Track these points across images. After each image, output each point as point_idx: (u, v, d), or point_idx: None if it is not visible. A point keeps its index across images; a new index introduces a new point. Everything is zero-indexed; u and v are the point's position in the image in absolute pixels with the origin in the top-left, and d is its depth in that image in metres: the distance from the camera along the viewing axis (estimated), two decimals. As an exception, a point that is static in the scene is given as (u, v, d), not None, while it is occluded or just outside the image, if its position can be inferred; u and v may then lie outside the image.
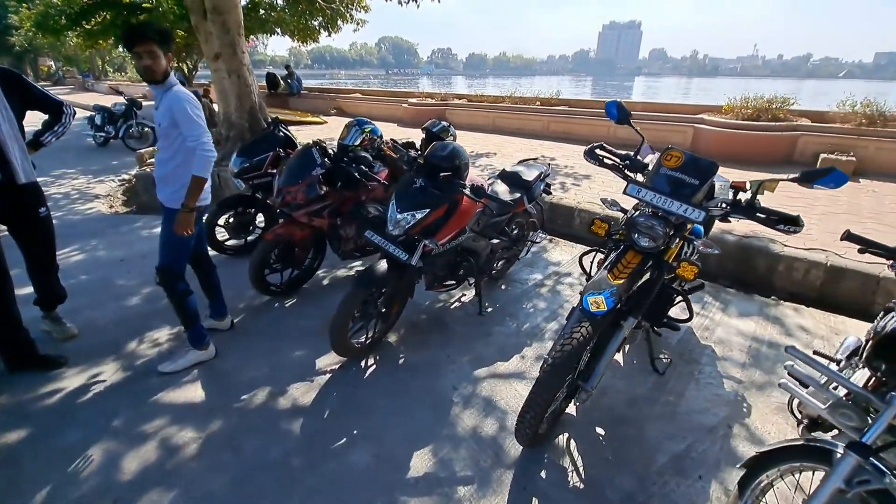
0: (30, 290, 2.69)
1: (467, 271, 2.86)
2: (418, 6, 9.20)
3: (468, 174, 2.62)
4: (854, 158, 5.94)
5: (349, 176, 2.96)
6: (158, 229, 4.57)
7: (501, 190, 3.06)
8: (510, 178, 3.20)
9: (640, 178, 2.03)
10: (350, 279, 3.65)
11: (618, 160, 2.04)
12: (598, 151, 2.06)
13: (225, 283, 2.87)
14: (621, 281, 1.70)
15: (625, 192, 1.82)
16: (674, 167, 1.75)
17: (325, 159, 3.02)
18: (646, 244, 1.78)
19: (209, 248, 2.97)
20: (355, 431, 2.13)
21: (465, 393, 2.40)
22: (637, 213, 1.86)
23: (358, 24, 12.44)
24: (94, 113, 9.44)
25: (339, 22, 12.07)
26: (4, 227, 2.48)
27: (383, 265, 2.40)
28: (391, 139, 3.65)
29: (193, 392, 2.36)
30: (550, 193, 4.00)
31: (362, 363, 2.63)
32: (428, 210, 2.35)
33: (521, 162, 3.53)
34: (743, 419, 2.28)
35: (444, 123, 3.86)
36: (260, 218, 4.01)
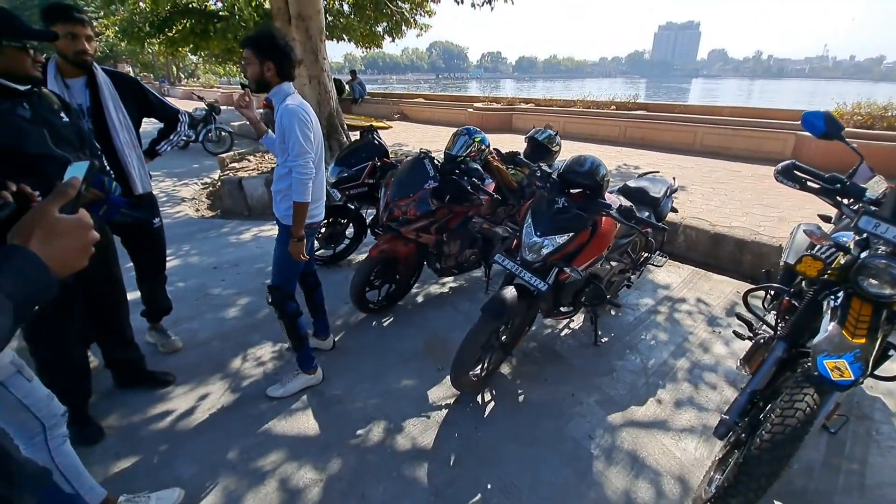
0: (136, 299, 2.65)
1: (591, 298, 2.56)
2: (492, 8, 8.96)
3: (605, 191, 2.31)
4: None
5: (460, 189, 2.74)
6: (245, 236, 4.67)
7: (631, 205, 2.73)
8: (635, 195, 2.86)
9: (847, 204, 1.66)
10: (445, 298, 3.43)
11: (825, 183, 1.66)
12: (797, 172, 1.70)
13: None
14: (862, 340, 1.34)
15: (856, 226, 1.46)
16: (927, 197, 1.38)
17: (436, 171, 2.80)
18: (887, 292, 1.41)
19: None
20: (489, 486, 1.87)
21: (603, 444, 2.09)
22: (869, 251, 1.49)
23: (422, 28, 12.39)
24: (175, 117, 9.87)
25: (404, 27, 12.06)
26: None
27: (511, 293, 2.13)
28: (496, 149, 3.41)
29: (306, 422, 2.20)
30: (677, 211, 3.61)
31: (478, 398, 2.38)
32: (572, 234, 2.07)
33: (642, 176, 3.18)
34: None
35: (550, 131, 3.57)
36: (350, 229, 3.88)
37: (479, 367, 2.32)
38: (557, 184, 2.22)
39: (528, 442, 2.10)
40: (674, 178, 3.23)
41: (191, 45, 12.33)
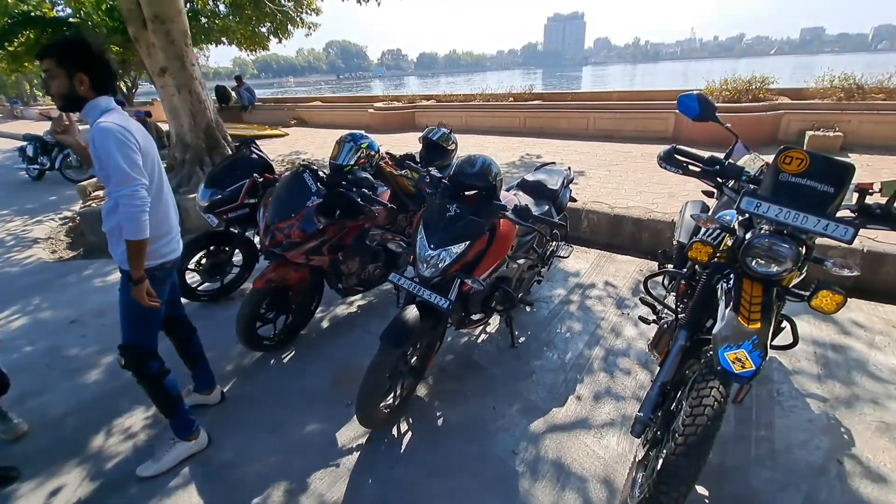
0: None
1: (501, 302, 2.44)
2: (379, 4, 8.68)
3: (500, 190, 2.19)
4: (841, 133, 5.90)
5: (350, 202, 2.47)
6: (112, 277, 3.99)
7: (526, 203, 2.65)
8: (534, 189, 2.80)
9: (731, 185, 1.67)
10: (354, 319, 3.16)
11: (705, 165, 1.66)
12: (678, 157, 1.68)
13: (205, 341, 2.31)
14: (757, 325, 1.32)
15: (738, 207, 1.44)
16: (797, 172, 1.39)
17: (319, 185, 2.51)
18: (774, 270, 1.40)
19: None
20: (411, 536, 1.66)
21: (528, 458, 1.97)
22: (753, 231, 1.48)
23: (309, 28, 11.78)
24: (25, 143, 8.39)
25: (290, 27, 11.38)
26: None
27: (413, 314, 1.93)
28: (387, 153, 3.18)
29: (188, 501, 1.83)
30: (576, 200, 3.63)
31: (394, 430, 2.16)
32: (468, 242, 1.91)
33: (539, 168, 3.14)
34: (849, 449, 1.97)
35: (443, 130, 3.42)
36: (237, 256, 3.44)
37: (391, 396, 2.10)
38: (449, 188, 2.06)
39: (449, 473, 1.92)
40: (569, 168, 3.23)
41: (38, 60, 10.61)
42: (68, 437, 2.20)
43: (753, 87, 7.11)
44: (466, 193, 2.10)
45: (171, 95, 5.60)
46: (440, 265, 1.89)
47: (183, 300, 2.35)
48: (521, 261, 2.64)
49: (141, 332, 1.88)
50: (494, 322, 3.00)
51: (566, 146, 7.49)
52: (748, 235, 1.49)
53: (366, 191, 2.52)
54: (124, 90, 13.12)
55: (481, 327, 2.94)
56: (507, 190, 2.85)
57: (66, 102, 1.67)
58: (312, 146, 8.89)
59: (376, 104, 11.08)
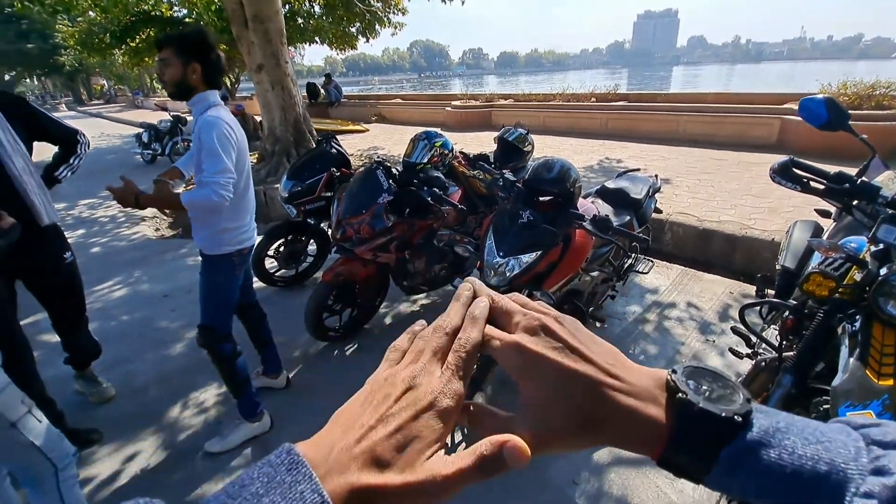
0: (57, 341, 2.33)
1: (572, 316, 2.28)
2: (463, 3, 8.66)
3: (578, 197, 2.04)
4: None
5: (420, 202, 2.45)
6: (203, 257, 4.33)
7: (606, 213, 2.46)
8: (614, 197, 2.60)
9: (858, 205, 1.40)
10: (417, 318, 3.14)
11: (831, 182, 1.40)
12: (796, 171, 1.43)
13: (276, 326, 2.42)
14: (889, 382, 1.08)
15: (874, 236, 1.20)
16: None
17: (391, 182, 2.51)
18: (917, 317, 1.15)
19: (257, 281, 2.52)
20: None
21: (589, 490, 1.82)
22: (890, 266, 1.22)
23: (396, 27, 12.09)
24: (141, 130, 9.46)
25: (377, 27, 11.75)
26: None
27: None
28: (461, 152, 3.12)
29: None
30: (661, 211, 3.35)
31: (447, 440, 2.09)
32: (539, 252, 1.79)
33: (621, 175, 2.92)
34: None
35: (520, 130, 3.29)
36: (312, 246, 3.58)
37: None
38: (523, 193, 1.94)
39: (503, 496, 1.82)
40: (656, 175, 2.97)
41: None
42: (148, 406, 2.39)
43: (878, 92, 6.17)
44: (541, 199, 1.98)
45: (265, 91, 5.98)
46: (508, 274, 1.79)
47: (260, 285, 2.46)
48: (595, 273, 2.46)
49: (216, 315, 1.98)
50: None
51: (650, 150, 7.00)
52: (883, 271, 1.23)
53: (437, 190, 2.48)
54: (227, 86, 14.32)
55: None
56: (585, 197, 2.67)
57: (178, 90, 1.75)
58: (389, 142, 9.11)
59: (454, 102, 11.13)
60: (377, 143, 9.23)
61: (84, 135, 2.23)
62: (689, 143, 7.30)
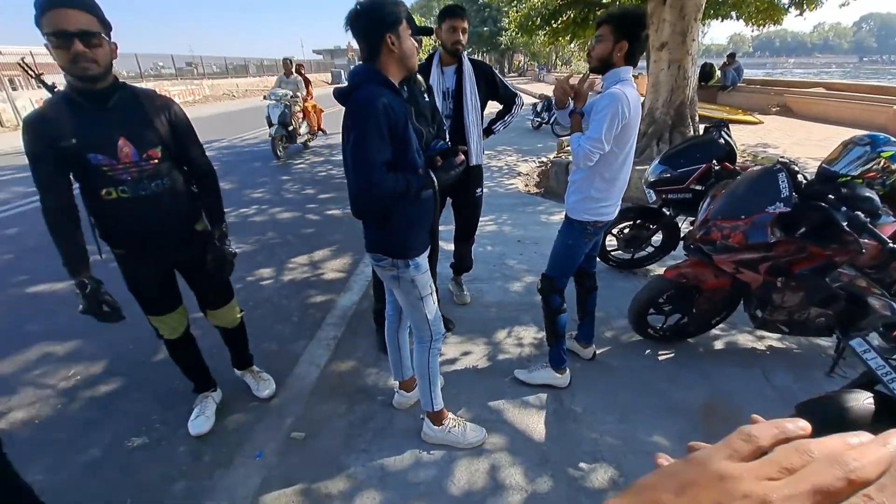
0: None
1: None
2: None
3: None
4: None
5: (829, 223, 1.90)
6: (555, 217, 4.83)
7: None
8: None
9: None
10: (756, 356, 2.59)
11: None
12: None
13: (598, 301, 2.50)
14: None
15: None
16: None
17: (793, 192, 2.04)
18: None
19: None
20: None
21: None
22: None
23: (848, -5, 9.15)
24: (537, 101, 11.04)
25: (823, -6, 9.21)
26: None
27: (864, 403, 1.35)
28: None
29: (536, 422, 2.14)
30: None
31: None
32: None
33: None
34: None
35: None
36: (657, 236, 3.41)
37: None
38: None
39: None
40: None
41: (570, 35, 13.30)
42: (487, 321, 2.96)
43: None
44: None
45: (659, 70, 5.81)
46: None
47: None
48: None
49: (559, 269, 2.21)
50: None
51: None
52: None
53: (860, 215, 1.86)
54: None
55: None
56: None
57: (600, 65, 1.90)
58: (788, 141, 7.33)
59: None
60: (770, 139, 7.59)
61: (520, 98, 2.79)
62: None
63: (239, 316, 2.19)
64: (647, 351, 2.64)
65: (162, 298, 1.88)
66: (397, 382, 2.22)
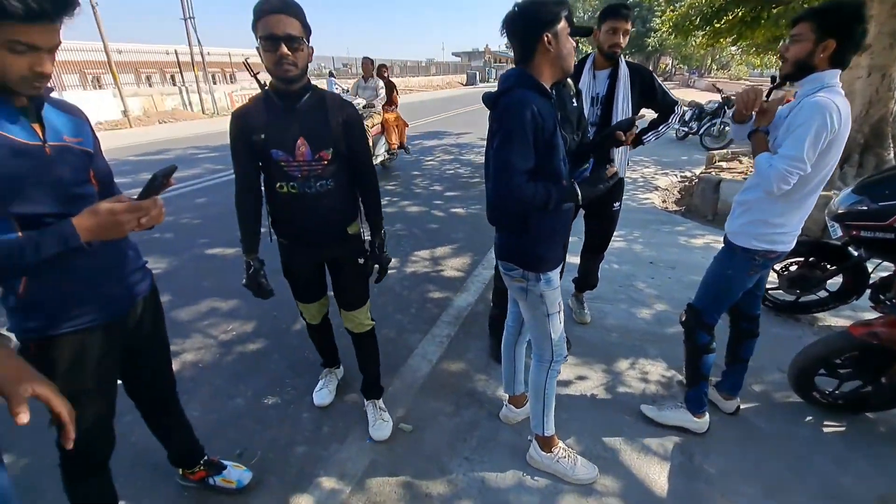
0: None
1: None
2: None
3: None
4: None
5: None
6: (697, 241, 4.31)
7: None
8: None
9: None
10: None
11: None
12: None
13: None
14: None
15: None
16: None
17: None
18: None
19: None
20: None
21: None
22: None
23: None
24: (686, 108, 9.99)
25: None
26: None
27: None
28: None
29: (657, 471, 1.91)
30: None
31: None
32: None
33: None
34: None
35: None
36: (834, 279, 2.81)
37: None
38: None
39: None
40: None
41: (734, 36, 11.76)
42: (608, 347, 2.73)
43: None
44: None
45: (855, 77, 4.83)
46: None
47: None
48: None
49: (709, 301, 1.94)
50: None
51: None
52: None
53: None
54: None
55: None
56: None
57: (794, 69, 1.60)
58: None
59: None
60: None
61: (680, 107, 2.52)
62: None
63: (368, 323, 2.08)
64: (809, 418, 2.19)
65: (309, 288, 2.02)
66: (507, 395, 2.16)
